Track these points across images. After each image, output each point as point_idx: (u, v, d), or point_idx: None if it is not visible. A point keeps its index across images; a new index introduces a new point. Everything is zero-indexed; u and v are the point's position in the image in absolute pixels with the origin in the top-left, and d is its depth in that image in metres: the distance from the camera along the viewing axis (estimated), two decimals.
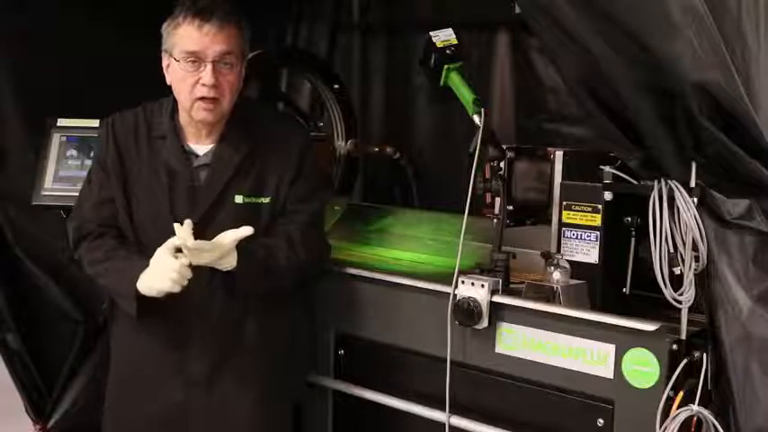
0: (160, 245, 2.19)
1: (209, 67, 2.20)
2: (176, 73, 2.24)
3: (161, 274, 2.15)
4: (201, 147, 2.34)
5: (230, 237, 2.16)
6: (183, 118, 2.33)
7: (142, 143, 2.34)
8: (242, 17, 2.28)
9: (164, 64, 2.29)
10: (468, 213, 2.30)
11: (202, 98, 2.22)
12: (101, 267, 2.31)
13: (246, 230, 2.17)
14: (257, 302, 2.35)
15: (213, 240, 2.16)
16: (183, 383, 2.33)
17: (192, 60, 2.21)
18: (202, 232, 2.21)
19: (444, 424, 2.37)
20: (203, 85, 2.21)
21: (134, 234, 2.32)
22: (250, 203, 2.32)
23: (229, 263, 2.20)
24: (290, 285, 2.42)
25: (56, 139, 2.89)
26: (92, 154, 2.79)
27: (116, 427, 2.45)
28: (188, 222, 2.13)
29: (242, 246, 2.19)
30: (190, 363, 2.32)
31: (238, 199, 2.31)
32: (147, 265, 2.18)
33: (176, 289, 2.14)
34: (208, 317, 2.30)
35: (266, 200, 2.34)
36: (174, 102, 2.33)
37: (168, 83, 2.29)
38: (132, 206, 2.32)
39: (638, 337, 2.07)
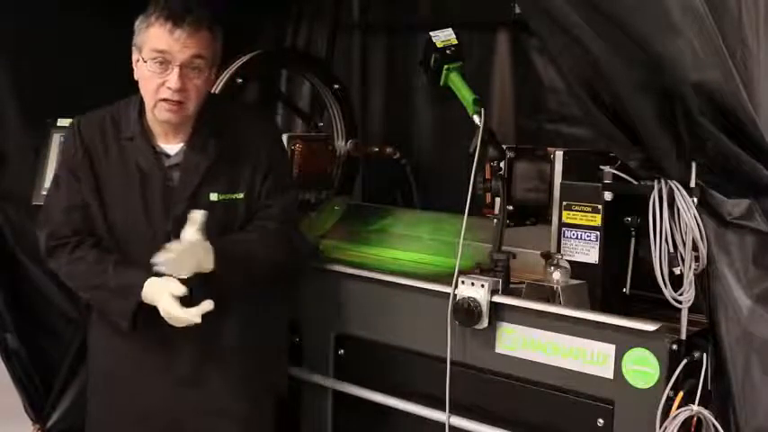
0: (137, 246, 2.24)
1: (176, 70, 2.18)
2: (144, 72, 2.23)
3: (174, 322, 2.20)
4: (172, 146, 2.32)
5: (190, 235, 2.16)
6: (149, 117, 2.31)
7: (110, 144, 2.31)
8: (215, 22, 2.26)
9: (133, 58, 2.27)
10: (468, 213, 2.30)
11: (166, 100, 2.21)
12: (87, 283, 2.30)
13: (197, 215, 2.17)
14: (238, 299, 2.34)
15: (181, 248, 2.15)
16: (167, 383, 2.32)
17: (160, 61, 2.19)
18: (179, 231, 2.22)
19: (444, 424, 2.37)
20: (168, 87, 2.19)
21: (110, 237, 2.30)
22: (225, 200, 2.32)
23: (208, 264, 2.20)
24: (268, 279, 2.41)
25: (56, 139, 2.88)
26: None
27: (102, 428, 2.44)
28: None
29: (218, 246, 2.20)
30: (174, 362, 2.32)
31: (213, 197, 2.30)
32: (137, 282, 2.20)
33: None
34: None
35: (240, 195, 2.34)
36: (141, 102, 2.30)
37: (136, 77, 2.27)
38: (106, 209, 2.30)
39: (638, 337, 2.07)
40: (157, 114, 2.24)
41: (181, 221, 2.24)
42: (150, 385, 2.33)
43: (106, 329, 2.36)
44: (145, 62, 2.21)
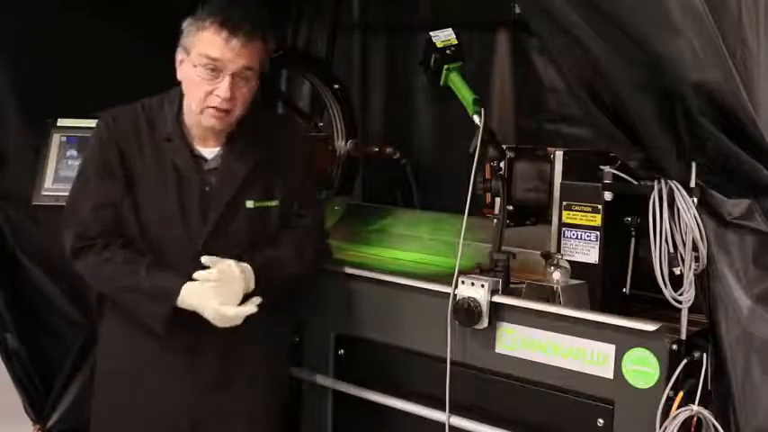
0: (171, 250, 2.23)
1: (227, 79, 2.16)
2: (191, 76, 2.19)
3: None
4: (209, 150, 2.30)
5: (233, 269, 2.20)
6: (189, 120, 2.28)
7: (145, 144, 2.27)
8: (268, 30, 2.25)
9: (177, 58, 2.24)
10: (468, 213, 2.30)
11: (214, 107, 2.19)
12: (117, 284, 2.24)
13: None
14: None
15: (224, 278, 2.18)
16: (188, 385, 2.31)
17: (211, 68, 2.16)
18: (216, 237, 2.24)
19: (444, 424, 2.37)
20: (218, 96, 2.17)
21: (142, 239, 2.25)
22: (261, 207, 2.31)
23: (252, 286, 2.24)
24: (299, 289, 2.45)
25: (56, 139, 2.88)
26: None
27: (112, 429, 2.40)
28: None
29: (259, 268, 2.23)
30: (196, 365, 2.30)
31: (249, 204, 2.30)
32: (174, 286, 2.18)
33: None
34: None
35: (275, 203, 2.34)
36: (180, 102, 2.28)
37: (179, 78, 2.25)
38: (138, 210, 2.25)
39: (638, 337, 2.07)
40: (203, 120, 2.22)
41: (218, 227, 2.25)
42: (171, 388, 2.30)
43: (122, 331, 2.33)
44: (194, 66, 2.17)
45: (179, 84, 2.27)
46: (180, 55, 2.23)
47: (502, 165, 2.38)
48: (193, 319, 2.22)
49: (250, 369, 2.37)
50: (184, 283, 2.19)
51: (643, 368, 2.06)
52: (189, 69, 2.20)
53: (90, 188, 2.28)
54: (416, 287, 2.47)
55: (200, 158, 2.29)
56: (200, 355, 2.30)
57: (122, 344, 2.37)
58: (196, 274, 2.18)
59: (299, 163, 2.41)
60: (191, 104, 2.24)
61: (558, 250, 2.35)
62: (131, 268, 2.22)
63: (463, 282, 2.29)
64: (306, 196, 2.42)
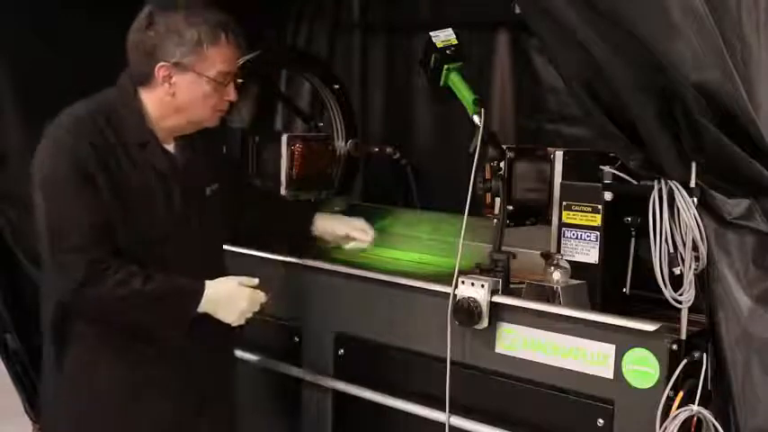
0: (169, 251, 2.21)
1: (232, 83, 2.25)
2: (200, 90, 2.18)
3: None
4: (168, 146, 2.28)
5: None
6: (162, 123, 2.22)
7: (118, 150, 2.15)
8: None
9: (163, 74, 2.15)
10: (469, 213, 2.30)
11: (222, 110, 2.28)
12: (141, 300, 2.11)
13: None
14: None
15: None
16: (190, 401, 2.31)
17: (227, 79, 2.22)
18: (206, 227, 2.30)
19: (444, 424, 2.37)
20: (229, 99, 2.26)
21: (140, 247, 2.16)
22: (212, 193, 2.37)
23: None
24: None
25: None
26: None
27: None
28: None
29: None
30: (196, 379, 2.30)
31: (208, 191, 2.36)
32: (197, 286, 2.18)
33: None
34: (216, 332, 2.27)
35: (217, 186, 2.39)
36: (139, 105, 2.20)
37: (170, 95, 2.17)
38: (128, 218, 2.14)
39: (638, 337, 2.07)
40: (209, 123, 2.29)
41: (201, 217, 2.29)
42: (168, 408, 2.27)
43: (102, 359, 2.22)
44: (208, 80, 2.17)
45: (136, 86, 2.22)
46: (167, 70, 2.15)
47: (502, 165, 2.38)
48: (192, 332, 2.20)
49: (232, 375, 2.50)
50: (202, 282, 2.21)
51: (643, 368, 2.06)
52: (194, 82, 2.17)
53: (78, 206, 2.08)
54: (416, 287, 2.47)
55: (171, 156, 2.27)
56: (195, 370, 2.29)
57: (108, 371, 2.23)
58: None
59: (217, 149, 2.54)
60: (197, 114, 2.23)
61: (558, 250, 2.35)
62: (153, 281, 2.11)
63: (463, 282, 2.29)
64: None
